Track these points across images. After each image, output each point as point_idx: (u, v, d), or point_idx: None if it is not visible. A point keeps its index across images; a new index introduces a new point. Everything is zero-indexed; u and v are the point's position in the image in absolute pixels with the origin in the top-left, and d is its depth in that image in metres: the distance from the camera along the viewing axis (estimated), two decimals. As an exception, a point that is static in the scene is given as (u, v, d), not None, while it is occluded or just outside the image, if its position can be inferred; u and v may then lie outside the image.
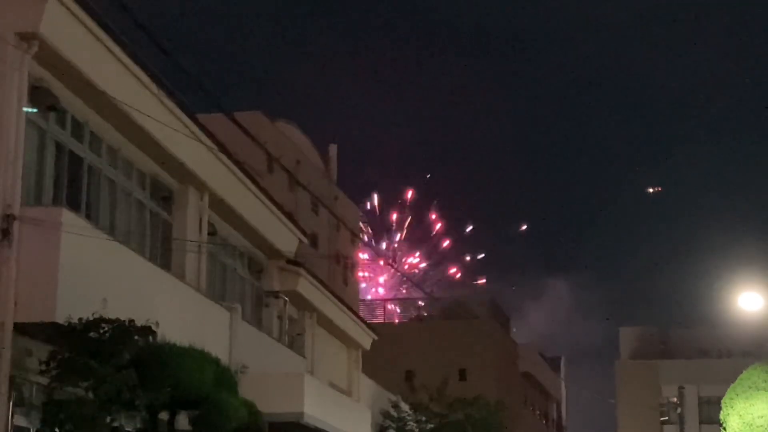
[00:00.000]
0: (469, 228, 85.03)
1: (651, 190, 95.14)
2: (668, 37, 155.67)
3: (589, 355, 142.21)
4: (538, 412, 74.53)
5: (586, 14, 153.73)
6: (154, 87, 19.35)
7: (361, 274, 66.76)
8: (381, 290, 79.73)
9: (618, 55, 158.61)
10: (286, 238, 28.43)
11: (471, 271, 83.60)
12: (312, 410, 24.51)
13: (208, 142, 22.15)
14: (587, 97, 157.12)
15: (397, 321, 67.54)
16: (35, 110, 16.56)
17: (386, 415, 35.91)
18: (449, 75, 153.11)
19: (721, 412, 31.98)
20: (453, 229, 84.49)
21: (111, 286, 16.94)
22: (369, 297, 74.69)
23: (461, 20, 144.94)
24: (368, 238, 78.84)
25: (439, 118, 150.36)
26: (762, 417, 30.73)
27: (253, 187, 25.35)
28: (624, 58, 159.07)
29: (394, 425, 35.97)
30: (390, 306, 70.53)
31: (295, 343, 29.91)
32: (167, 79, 19.52)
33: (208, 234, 23.48)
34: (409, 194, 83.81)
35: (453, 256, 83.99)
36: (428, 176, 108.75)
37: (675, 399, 39.36)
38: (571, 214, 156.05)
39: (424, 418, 37.34)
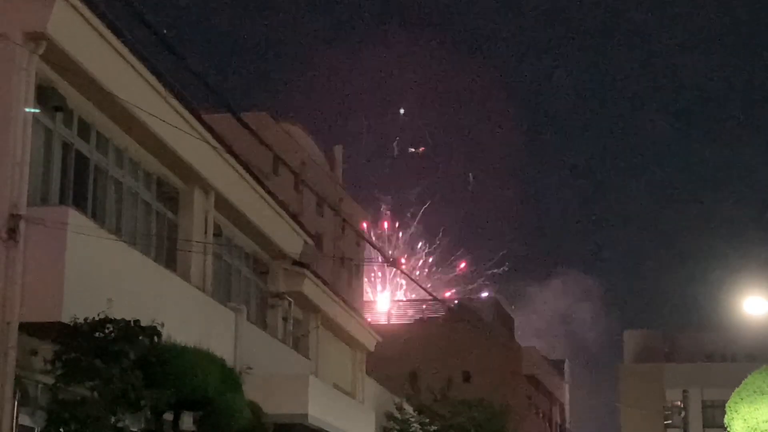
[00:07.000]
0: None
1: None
2: (680, 39, 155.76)
3: (594, 358, 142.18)
4: (541, 415, 74.47)
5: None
6: (160, 87, 19.34)
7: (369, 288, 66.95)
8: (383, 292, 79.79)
9: (622, 57, 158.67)
10: (291, 240, 28.42)
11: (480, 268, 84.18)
12: (316, 412, 24.52)
13: (214, 142, 22.14)
14: (589, 101, 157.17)
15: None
16: (37, 110, 16.54)
17: (390, 416, 35.89)
18: (455, 76, 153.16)
19: (726, 416, 32.00)
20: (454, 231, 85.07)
21: (116, 286, 16.93)
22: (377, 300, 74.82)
23: (470, 23, 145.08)
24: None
25: (444, 118, 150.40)
26: (766, 421, 30.73)
27: (258, 187, 25.34)
28: (629, 58, 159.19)
29: (398, 427, 35.95)
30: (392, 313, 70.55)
31: (299, 344, 29.92)
32: (174, 79, 19.54)
33: (214, 235, 23.47)
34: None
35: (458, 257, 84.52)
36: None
37: (679, 403, 39.34)
38: (577, 217, 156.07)
39: (427, 420, 37.32)
